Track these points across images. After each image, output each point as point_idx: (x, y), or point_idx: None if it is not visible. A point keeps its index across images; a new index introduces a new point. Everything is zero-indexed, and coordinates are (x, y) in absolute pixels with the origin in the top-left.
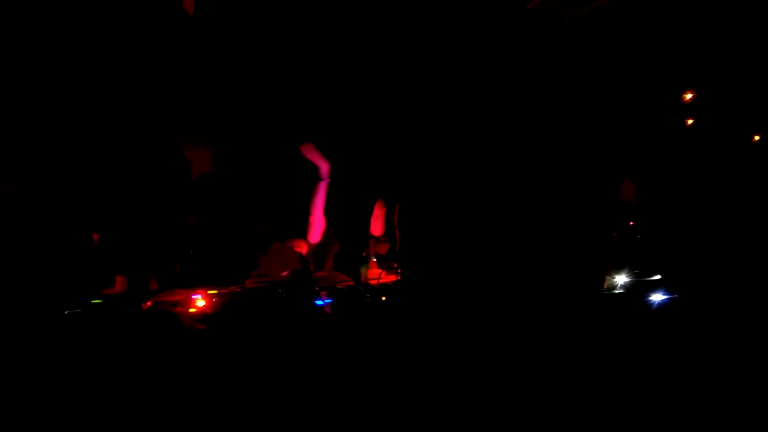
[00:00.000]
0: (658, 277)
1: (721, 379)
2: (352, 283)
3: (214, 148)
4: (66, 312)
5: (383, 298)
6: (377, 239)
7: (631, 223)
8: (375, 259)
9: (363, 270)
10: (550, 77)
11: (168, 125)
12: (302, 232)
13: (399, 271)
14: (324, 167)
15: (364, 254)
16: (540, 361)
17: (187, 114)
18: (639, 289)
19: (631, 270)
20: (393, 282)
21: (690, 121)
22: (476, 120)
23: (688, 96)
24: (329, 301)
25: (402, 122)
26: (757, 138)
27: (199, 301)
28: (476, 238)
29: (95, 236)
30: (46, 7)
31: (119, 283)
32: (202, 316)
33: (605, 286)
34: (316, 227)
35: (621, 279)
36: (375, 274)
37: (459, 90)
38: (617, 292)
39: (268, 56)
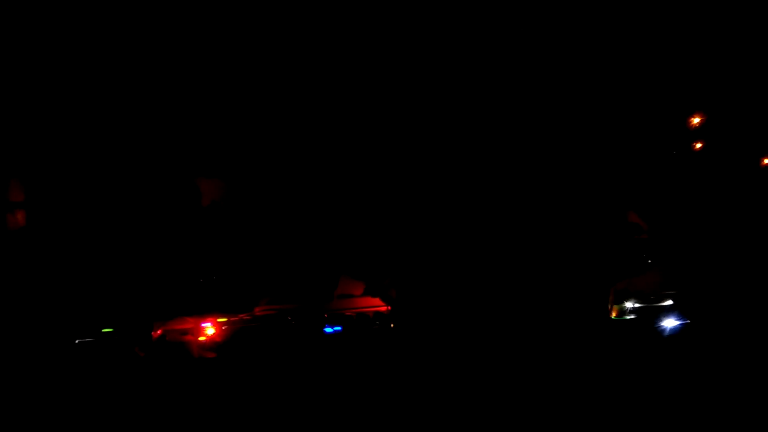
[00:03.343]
0: (669, 302)
1: (734, 405)
2: (360, 310)
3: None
4: (77, 341)
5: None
6: None
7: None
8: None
9: None
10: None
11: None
12: None
13: (395, 295)
14: None
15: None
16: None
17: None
18: (650, 315)
19: (641, 296)
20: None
21: (698, 146)
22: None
23: (696, 120)
24: (338, 328)
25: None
26: (766, 161)
27: (209, 329)
28: (478, 261)
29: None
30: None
31: None
32: (212, 344)
33: (615, 313)
34: None
35: (631, 305)
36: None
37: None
38: (627, 318)
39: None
